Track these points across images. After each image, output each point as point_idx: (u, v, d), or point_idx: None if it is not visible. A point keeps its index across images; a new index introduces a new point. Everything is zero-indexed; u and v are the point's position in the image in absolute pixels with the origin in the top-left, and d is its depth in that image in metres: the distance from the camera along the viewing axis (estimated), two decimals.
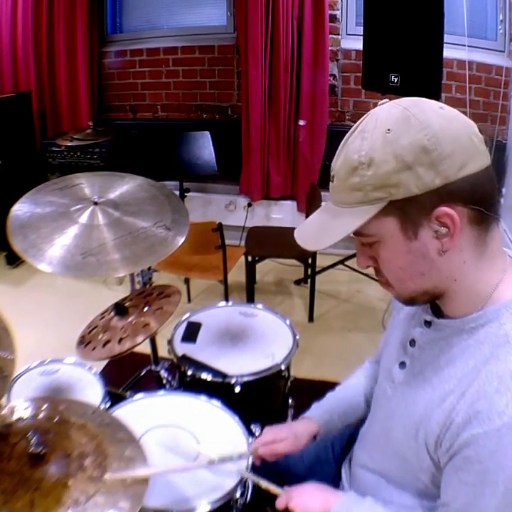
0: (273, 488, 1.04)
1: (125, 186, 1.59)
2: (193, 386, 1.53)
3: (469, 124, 0.75)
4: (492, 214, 0.75)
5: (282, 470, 1.24)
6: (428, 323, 0.88)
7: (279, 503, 1.00)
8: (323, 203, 0.86)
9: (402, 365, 0.93)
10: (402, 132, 0.72)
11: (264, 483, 1.06)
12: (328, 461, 1.26)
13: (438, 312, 0.87)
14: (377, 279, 0.87)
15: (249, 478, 1.14)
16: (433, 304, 0.87)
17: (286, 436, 1.13)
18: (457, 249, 0.76)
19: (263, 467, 1.20)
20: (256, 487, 1.19)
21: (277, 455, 1.14)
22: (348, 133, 0.79)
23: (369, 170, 0.73)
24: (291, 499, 0.98)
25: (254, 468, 1.18)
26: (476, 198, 0.73)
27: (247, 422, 1.33)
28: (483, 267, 0.78)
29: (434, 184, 0.71)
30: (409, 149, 0.71)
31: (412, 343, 0.92)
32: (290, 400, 1.71)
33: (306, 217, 3.79)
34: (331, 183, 0.81)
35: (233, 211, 3.81)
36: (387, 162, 0.72)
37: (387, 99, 0.78)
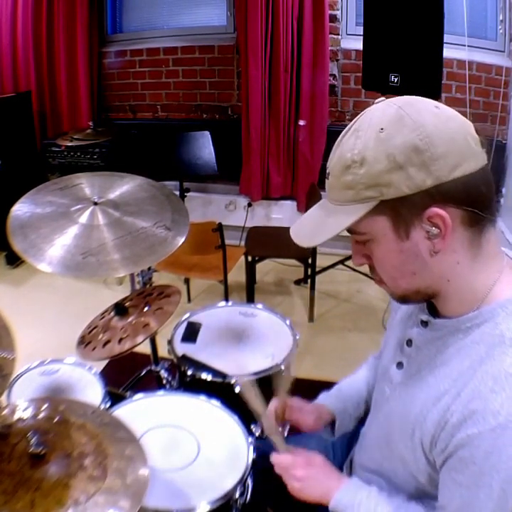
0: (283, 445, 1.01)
1: (125, 186, 1.59)
2: (193, 386, 1.53)
3: (465, 125, 0.74)
4: (487, 215, 0.75)
5: None
6: (425, 323, 0.88)
7: (280, 460, 0.99)
8: (324, 194, 0.86)
9: (400, 365, 0.93)
10: (395, 132, 0.72)
11: (257, 403, 1.03)
12: (331, 462, 1.26)
13: (435, 312, 0.87)
14: (373, 277, 0.87)
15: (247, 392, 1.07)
16: (430, 303, 0.87)
17: (311, 411, 1.13)
18: (450, 249, 0.76)
19: (264, 464, 1.20)
20: (256, 487, 1.19)
21: (296, 425, 1.13)
22: (344, 131, 0.79)
23: (361, 168, 0.73)
24: (295, 466, 0.97)
25: (254, 469, 1.18)
26: (470, 200, 0.73)
27: (247, 422, 1.33)
28: (477, 268, 0.78)
29: (425, 185, 0.71)
30: (402, 149, 0.71)
31: (409, 343, 0.92)
32: None
33: None
34: (326, 180, 0.82)
35: (233, 211, 3.81)
36: (379, 161, 0.72)
37: (383, 98, 0.79)
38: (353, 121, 0.79)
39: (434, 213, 0.72)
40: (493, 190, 0.76)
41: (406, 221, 0.74)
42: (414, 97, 0.77)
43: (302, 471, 0.97)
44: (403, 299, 0.85)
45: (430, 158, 0.70)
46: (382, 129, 0.73)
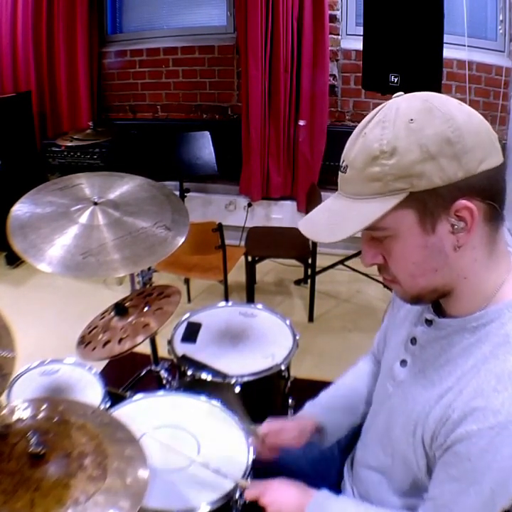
0: (241, 481, 1.05)
1: (125, 186, 1.59)
2: (193, 386, 1.53)
3: (485, 121, 0.75)
4: (502, 212, 0.75)
5: (285, 468, 1.24)
6: (429, 322, 0.88)
7: (248, 494, 1.01)
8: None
9: (404, 363, 0.94)
10: (426, 122, 0.71)
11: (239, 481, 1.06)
12: (333, 459, 1.26)
13: (439, 311, 0.87)
14: (382, 277, 0.85)
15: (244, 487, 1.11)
16: (435, 302, 0.87)
17: (291, 428, 1.14)
18: (470, 245, 0.75)
19: (265, 465, 1.20)
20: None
21: (278, 447, 1.15)
22: (363, 123, 0.76)
23: (391, 159, 0.71)
24: (263, 494, 0.98)
25: (254, 469, 1.18)
26: (492, 194, 0.73)
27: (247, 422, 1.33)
28: (491, 266, 0.78)
29: (456, 177, 0.70)
30: (434, 140, 0.70)
31: (413, 341, 0.92)
32: (290, 400, 1.71)
33: None
34: (341, 173, 0.78)
35: (233, 211, 3.81)
36: (411, 151, 0.70)
37: (401, 92, 0.77)
38: (372, 114, 0.76)
39: (463, 206, 0.71)
40: (506, 186, 0.76)
41: (433, 214, 0.73)
42: (434, 93, 0.76)
43: (267, 497, 0.98)
44: (416, 299, 0.83)
45: (461, 150, 0.70)
46: (412, 119, 0.71)
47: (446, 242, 0.75)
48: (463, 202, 0.71)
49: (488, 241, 0.76)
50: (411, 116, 0.71)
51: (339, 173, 0.79)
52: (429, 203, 0.72)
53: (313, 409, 1.20)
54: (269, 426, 1.15)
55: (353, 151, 0.75)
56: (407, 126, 0.71)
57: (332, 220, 0.78)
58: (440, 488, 0.78)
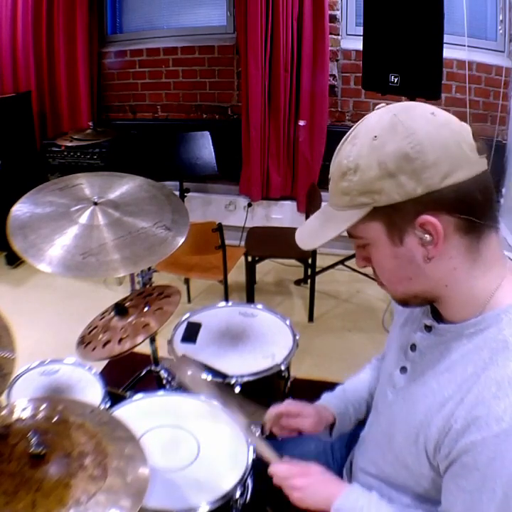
0: (274, 456, 1.02)
1: (125, 186, 1.59)
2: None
3: (461, 131, 0.74)
4: (484, 222, 0.75)
5: None
6: (428, 328, 0.88)
7: (279, 471, 0.98)
8: (323, 204, 0.88)
9: (403, 370, 0.93)
10: (387, 139, 0.73)
11: (270, 454, 1.03)
12: (329, 465, 1.25)
13: (438, 317, 0.87)
14: (373, 278, 0.89)
15: (257, 446, 1.09)
16: (433, 308, 0.87)
17: (311, 414, 1.13)
18: (446, 256, 0.76)
19: (263, 468, 1.20)
20: (256, 487, 1.19)
21: (293, 431, 1.13)
22: (344, 138, 0.81)
23: (355, 175, 0.75)
24: (295, 476, 0.96)
25: (254, 469, 1.18)
26: (463, 207, 0.73)
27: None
28: (476, 274, 0.78)
29: (416, 193, 0.71)
30: (393, 157, 0.72)
31: (413, 347, 0.92)
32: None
33: (306, 217, 3.76)
34: (329, 185, 0.83)
35: (233, 211, 3.81)
36: (371, 169, 0.73)
37: (384, 104, 0.79)
38: (353, 127, 0.80)
39: (426, 221, 0.73)
40: (491, 196, 0.76)
41: (399, 227, 0.76)
42: (412, 103, 0.78)
43: (300, 480, 0.96)
44: (403, 301, 0.86)
45: (421, 166, 0.71)
46: (375, 136, 0.74)
47: (417, 253, 0.77)
48: (425, 217, 0.72)
49: (468, 251, 0.76)
50: (375, 133, 0.74)
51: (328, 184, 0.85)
52: (394, 217, 0.75)
53: (331, 401, 1.19)
54: (288, 406, 1.14)
55: (333, 164, 0.81)
56: (370, 144, 0.74)
57: (314, 229, 0.85)
58: (452, 500, 0.78)
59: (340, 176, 0.77)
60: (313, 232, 0.85)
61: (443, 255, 0.76)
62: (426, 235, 0.74)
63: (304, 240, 0.86)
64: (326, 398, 1.21)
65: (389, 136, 0.73)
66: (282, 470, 0.99)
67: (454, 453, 0.76)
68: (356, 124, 0.80)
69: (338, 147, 0.81)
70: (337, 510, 0.92)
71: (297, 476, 0.97)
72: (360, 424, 1.17)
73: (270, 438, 1.16)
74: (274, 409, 1.14)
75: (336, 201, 0.80)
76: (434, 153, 0.71)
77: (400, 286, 0.83)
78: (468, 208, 0.73)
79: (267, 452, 1.04)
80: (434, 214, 0.72)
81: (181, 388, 1.60)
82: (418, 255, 0.77)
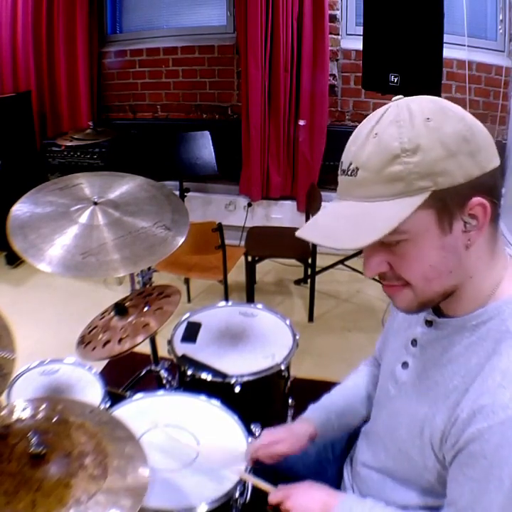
0: (269, 487, 1.04)
1: (125, 186, 1.59)
2: (193, 386, 1.53)
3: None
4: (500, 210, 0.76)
5: (282, 471, 1.24)
6: (429, 323, 0.89)
7: (273, 498, 0.99)
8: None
9: (405, 365, 0.94)
10: (442, 121, 0.71)
11: (261, 484, 1.06)
12: (329, 461, 1.26)
13: (438, 311, 0.87)
14: (386, 285, 0.81)
15: (247, 480, 1.14)
16: None
17: (284, 438, 1.13)
18: (477, 243, 0.75)
19: (263, 468, 1.20)
20: (256, 487, 1.19)
21: (276, 457, 1.14)
22: (366, 126, 0.74)
23: (414, 157, 0.69)
24: (287, 498, 0.97)
25: (254, 469, 1.18)
26: (497, 192, 0.74)
27: (246, 422, 1.33)
28: (491, 264, 0.79)
29: (474, 174, 0.71)
30: (453, 137, 0.70)
31: (414, 342, 0.92)
32: (290, 400, 1.71)
33: (306, 217, 3.74)
34: (349, 178, 0.75)
35: (233, 211, 3.81)
36: (434, 149, 0.69)
37: (401, 96, 0.77)
38: (377, 116, 0.74)
39: (478, 202, 0.72)
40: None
41: (451, 213, 0.72)
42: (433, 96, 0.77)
43: (292, 500, 0.97)
44: (424, 305, 0.81)
45: (475, 148, 0.71)
46: (428, 118, 0.71)
47: (460, 241, 0.74)
48: (478, 198, 0.72)
49: (491, 239, 0.77)
50: (427, 116, 0.71)
51: (344, 177, 0.76)
52: (449, 202, 0.71)
53: (311, 413, 1.20)
54: (259, 441, 1.15)
55: (364, 152, 0.73)
56: (426, 125, 0.70)
57: (352, 225, 0.74)
58: (459, 490, 0.77)
59: (390, 159, 0.70)
60: (354, 228, 0.73)
61: (476, 242, 0.75)
62: (473, 220, 0.73)
63: (342, 239, 0.73)
64: (310, 410, 1.21)
65: (443, 118, 0.71)
66: (277, 497, 0.99)
67: (460, 442, 0.76)
68: (380, 111, 0.74)
69: (365, 133, 0.73)
70: None
71: (288, 498, 0.97)
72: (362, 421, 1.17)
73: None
74: (250, 449, 1.16)
75: (379, 191, 0.71)
76: (481, 138, 0.72)
77: (436, 283, 0.77)
78: (498, 194, 0.74)
79: (262, 485, 1.06)
80: (482, 196, 0.72)
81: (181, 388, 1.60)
82: (460, 243, 0.74)
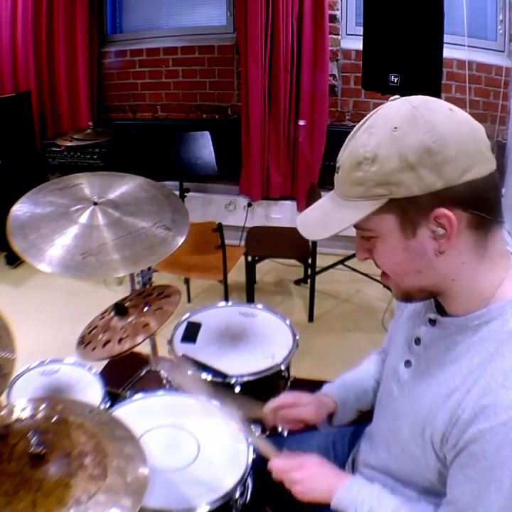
0: (273, 452, 1.02)
1: (125, 186, 1.59)
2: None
3: (478, 129, 0.75)
4: (493, 218, 0.76)
5: None
6: (433, 322, 0.89)
7: (278, 466, 0.98)
8: (323, 193, 0.86)
9: (408, 363, 0.94)
10: (408, 131, 0.72)
11: (269, 450, 1.03)
12: (330, 460, 1.25)
13: (442, 310, 0.87)
14: (380, 274, 0.87)
15: (257, 445, 1.11)
16: (437, 302, 0.88)
17: (310, 402, 1.13)
18: (456, 250, 0.76)
19: (263, 466, 1.20)
20: (256, 487, 1.19)
21: (294, 422, 1.13)
22: (357, 126, 0.79)
23: (373, 166, 0.73)
24: (294, 469, 0.96)
25: (254, 469, 1.18)
26: (476, 204, 0.73)
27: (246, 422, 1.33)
28: (483, 269, 0.79)
29: (435, 187, 0.71)
30: (415, 149, 0.71)
31: (417, 341, 0.92)
32: None
33: None
34: (336, 174, 0.81)
35: (233, 211, 3.81)
36: (391, 160, 0.72)
37: (398, 96, 0.78)
38: (367, 116, 0.78)
39: (441, 214, 0.72)
40: (500, 193, 0.77)
41: (413, 220, 0.75)
42: (429, 97, 0.77)
43: (299, 473, 0.97)
44: (407, 295, 0.86)
45: (442, 160, 0.70)
46: (396, 127, 0.72)
47: (428, 246, 0.76)
48: (441, 210, 0.72)
49: (477, 246, 0.77)
50: (395, 125, 0.73)
51: (335, 173, 0.82)
52: (409, 210, 0.74)
53: (331, 389, 1.19)
54: (285, 398, 1.14)
55: (344, 153, 0.79)
56: (391, 135, 0.72)
57: (320, 219, 0.82)
58: (459, 490, 0.77)
59: (355, 165, 0.75)
60: (320, 222, 0.82)
61: (453, 250, 0.76)
62: (439, 229, 0.74)
63: (311, 230, 0.83)
64: (326, 387, 1.21)
65: (410, 128, 0.72)
66: (281, 464, 0.99)
67: (461, 443, 0.76)
68: (371, 113, 0.78)
69: (350, 135, 0.79)
70: (338, 502, 0.92)
71: (295, 469, 0.97)
72: (362, 419, 1.17)
73: (274, 435, 1.16)
74: (271, 404, 1.15)
75: (347, 191, 0.78)
76: (454, 148, 0.71)
77: (406, 279, 0.82)
78: (481, 205, 0.74)
79: (266, 448, 1.04)
80: (449, 208, 0.72)
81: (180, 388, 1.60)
82: (429, 249, 0.76)
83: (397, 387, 0.96)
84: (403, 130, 0.72)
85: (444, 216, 0.73)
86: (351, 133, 0.79)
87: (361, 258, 0.86)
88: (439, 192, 0.71)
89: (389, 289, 0.98)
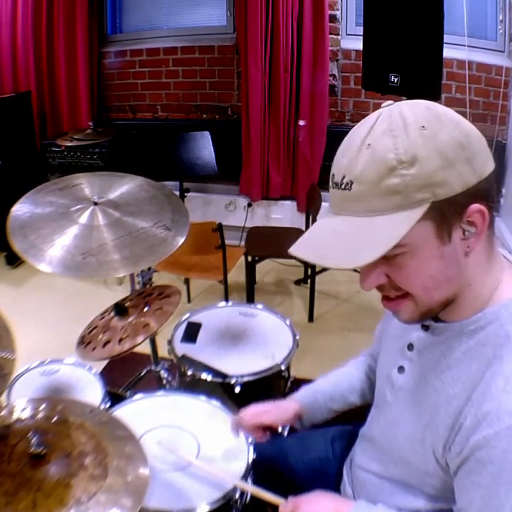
0: (273, 498, 1.01)
1: (125, 186, 1.59)
2: (193, 386, 1.53)
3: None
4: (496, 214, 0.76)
5: (283, 469, 1.24)
6: (426, 327, 0.88)
7: (283, 511, 0.97)
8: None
9: (401, 369, 0.93)
10: (438, 129, 0.68)
11: (263, 494, 1.04)
12: (329, 460, 1.26)
13: (435, 316, 0.87)
14: (385, 296, 0.80)
15: (248, 490, 1.14)
16: None
17: (270, 409, 1.18)
18: (475, 250, 0.74)
19: (263, 467, 1.20)
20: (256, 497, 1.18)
21: (260, 431, 1.16)
22: (357, 136, 0.71)
23: (411, 168, 0.67)
24: (297, 508, 0.94)
25: (254, 470, 1.18)
26: (492, 198, 0.73)
27: None
28: (489, 270, 0.78)
29: (471, 182, 0.69)
30: (450, 145, 0.68)
31: (410, 347, 0.91)
32: None
33: (307, 217, 3.71)
34: (342, 191, 0.71)
35: (233, 211, 3.81)
36: (432, 159, 0.67)
37: (391, 101, 0.75)
38: (368, 125, 0.71)
39: (477, 210, 0.70)
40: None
41: (449, 222, 0.70)
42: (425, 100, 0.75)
43: (306, 506, 0.94)
44: (424, 316, 0.79)
45: (472, 155, 0.69)
46: (423, 126, 0.68)
47: (459, 249, 0.73)
48: (476, 206, 0.70)
49: (488, 244, 0.76)
50: (422, 123, 0.68)
51: (337, 191, 0.73)
52: (446, 212, 0.69)
53: (299, 393, 1.24)
54: (249, 410, 1.19)
55: (357, 164, 0.69)
56: (422, 133, 0.67)
57: (350, 243, 0.71)
58: (468, 497, 0.76)
59: (385, 172, 0.67)
60: (352, 246, 0.71)
61: (475, 249, 0.74)
62: (471, 227, 0.71)
63: (339, 257, 0.72)
64: (300, 390, 1.25)
65: (438, 126, 0.69)
66: (286, 508, 0.97)
67: (466, 450, 0.75)
68: (370, 120, 0.72)
69: (358, 144, 0.71)
70: None
71: (297, 508, 0.95)
72: (354, 418, 1.19)
73: (274, 435, 1.21)
74: (234, 420, 1.20)
75: (376, 205, 0.69)
76: (476, 143, 0.71)
77: (436, 293, 0.75)
78: (494, 198, 0.73)
79: (270, 498, 1.03)
80: (481, 203, 0.70)
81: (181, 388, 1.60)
82: (460, 251, 0.73)
83: (391, 393, 0.95)
84: (433, 128, 0.68)
85: (478, 211, 0.70)
86: (355, 142, 0.71)
87: (372, 285, 0.78)
88: (474, 187, 0.70)
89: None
